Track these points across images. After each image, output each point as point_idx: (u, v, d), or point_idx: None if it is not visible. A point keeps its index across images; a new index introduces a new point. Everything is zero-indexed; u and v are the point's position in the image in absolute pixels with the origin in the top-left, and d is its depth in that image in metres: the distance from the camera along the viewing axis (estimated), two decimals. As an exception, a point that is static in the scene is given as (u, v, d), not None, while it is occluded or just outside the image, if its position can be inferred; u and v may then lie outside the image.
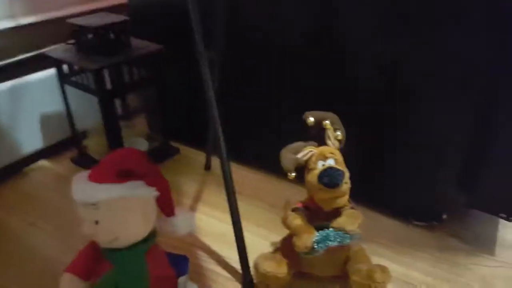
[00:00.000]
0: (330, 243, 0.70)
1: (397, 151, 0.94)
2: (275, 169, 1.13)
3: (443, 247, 0.93)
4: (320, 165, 0.72)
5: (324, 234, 0.71)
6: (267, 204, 1.06)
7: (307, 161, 0.75)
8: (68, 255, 0.69)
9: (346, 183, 0.71)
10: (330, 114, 0.75)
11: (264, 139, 1.12)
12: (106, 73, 1.01)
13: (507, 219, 0.89)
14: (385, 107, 0.91)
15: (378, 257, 0.88)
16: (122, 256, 0.65)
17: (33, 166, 1.20)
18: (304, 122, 0.75)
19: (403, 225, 0.99)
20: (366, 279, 0.72)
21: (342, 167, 0.73)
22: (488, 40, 0.76)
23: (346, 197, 0.73)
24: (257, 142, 1.15)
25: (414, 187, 0.95)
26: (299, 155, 0.74)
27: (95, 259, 0.68)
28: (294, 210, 0.77)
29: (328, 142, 0.75)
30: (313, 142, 0.76)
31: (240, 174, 1.16)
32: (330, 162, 0.72)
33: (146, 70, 1.10)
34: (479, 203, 0.93)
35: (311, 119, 0.74)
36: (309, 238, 0.71)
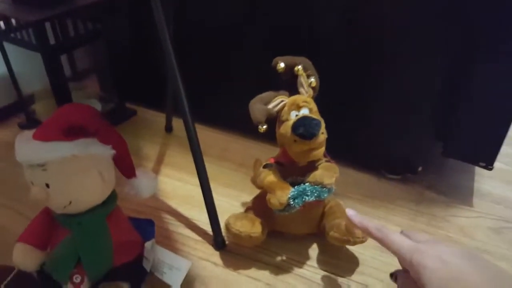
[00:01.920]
0: (307, 198, 0.66)
1: (367, 100, 0.90)
2: (241, 128, 1.11)
3: (420, 200, 0.92)
4: (294, 116, 0.67)
5: (301, 189, 0.66)
6: (234, 164, 1.01)
7: (278, 112, 0.69)
8: (24, 224, 0.62)
9: (322, 133, 0.66)
10: (302, 58, 0.68)
11: (228, 97, 1.05)
12: (48, 27, 0.91)
13: (487, 168, 0.88)
14: (352, 56, 0.87)
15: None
16: (80, 222, 0.59)
17: (-25, 134, 1.09)
18: (273, 69, 0.68)
19: (376, 178, 0.98)
20: (346, 234, 0.69)
21: (317, 116, 0.67)
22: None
23: (323, 149, 0.68)
24: (220, 101, 1.09)
25: (387, 138, 0.92)
26: (270, 106, 0.69)
27: (50, 227, 0.62)
28: (265, 166, 0.72)
29: (301, 90, 0.69)
30: (284, 91, 0.70)
31: (205, 135, 1.10)
32: (304, 112, 0.67)
33: (93, 23, 1.01)
34: (456, 153, 0.91)
35: (282, 64, 0.67)
36: (284, 194, 0.66)
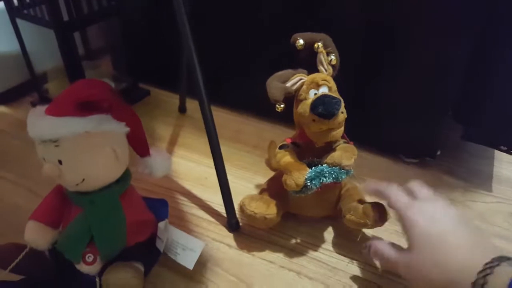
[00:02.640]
0: (324, 179, 0.64)
1: (384, 82, 0.87)
2: (254, 109, 1.09)
3: (439, 185, 0.90)
4: (312, 94, 0.64)
5: (318, 170, 0.64)
6: (248, 147, 1.00)
7: (296, 91, 0.66)
8: (37, 203, 0.62)
9: (342, 112, 0.63)
10: (322, 35, 0.65)
11: (241, 78, 1.03)
12: (61, 3, 0.89)
13: (508, 152, 0.86)
14: (370, 37, 0.84)
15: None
16: (93, 200, 0.58)
17: (-11, 113, 1.09)
18: (291, 46, 0.65)
19: (394, 162, 0.96)
20: (363, 217, 0.67)
21: (337, 95, 0.65)
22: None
23: (342, 129, 0.66)
24: (233, 82, 1.06)
25: (405, 121, 0.90)
26: (288, 84, 0.66)
27: (63, 205, 0.61)
28: (282, 147, 0.70)
29: (320, 67, 0.66)
30: (302, 70, 0.67)
31: (219, 116, 1.08)
32: (324, 90, 0.64)
33: (107, -1, 0.99)
34: (477, 136, 0.89)
35: (301, 41, 0.64)
36: (300, 175, 0.64)
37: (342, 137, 0.69)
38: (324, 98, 0.62)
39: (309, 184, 0.64)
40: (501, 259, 0.47)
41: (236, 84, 1.06)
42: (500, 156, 0.96)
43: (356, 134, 0.84)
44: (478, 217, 0.83)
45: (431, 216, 0.53)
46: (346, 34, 0.84)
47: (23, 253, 0.60)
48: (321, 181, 0.64)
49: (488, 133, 0.87)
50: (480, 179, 0.92)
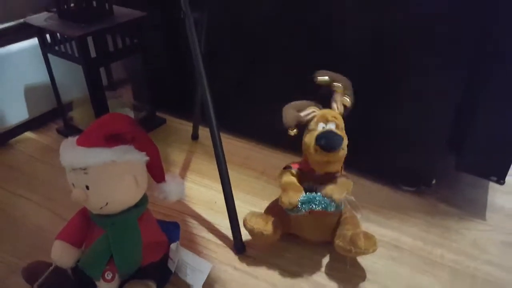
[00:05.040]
0: (314, 206, 0.71)
1: (384, 114, 0.94)
2: (263, 138, 1.16)
3: (434, 212, 0.95)
4: (321, 127, 0.72)
5: (311, 197, 0.72)
6: (256, 173, 1.06)
7: (308, 121, 0.74)
8: (60, 225, 0.69)
9: (343, 149, 0.71)
10: (343, 77, 0.73)
11: (253, 109, 1.11)
12: (90, 41, 0.98)
13: (498, 182, 0.90)
14: (370, 71, 0.91)
15: (368, 222, 0.90)
16: (114, 222, 0.65)
17: (18, 138, 1.17)
18: (313, 80, 0.73)
19: (392, 190, 1.01)
20: (348, 244, 0.73)
21: (342, 133, 0.72)
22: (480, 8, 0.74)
23: (340, 164, 0.73)
24: (245, 112, 1.14)
25: (402, 151, 0.96)
26: (302, 114, 0.74)
27: (86, 226, 0.68)
28: (286, 168, 0.78)
29: (334, 105, 0.74)
30: (317, 103, 0.75)
31: (229, 143, 1.16)
32: (331, 126, 0.72)
33: (130, 38, 1.08)
34: (469, 166, 0.93)
35: (326, 78, 0.72)
36: (295, 196, 0.72)
37: (342, 169, 0.76)
38: (328, 133, 0.70)
39: (299, 206, 0.71)
40: None
41: (246, 114, 1.14)
42: (495, 186, 1.00)
43: (356, 162, 0.89)
44: (471, 244, 0.86)
45: None
46: (348, 69, 0.92)
47: (49, 270, 0.67)
48: (310, 207, 0.71)
49: (479, 164, 0.91)
50: (475, 207, 0.96)
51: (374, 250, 0.73)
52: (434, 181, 0.97)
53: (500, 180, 0.90)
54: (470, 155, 0.91)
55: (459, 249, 0.85)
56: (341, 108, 0.74)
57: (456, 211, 0.95)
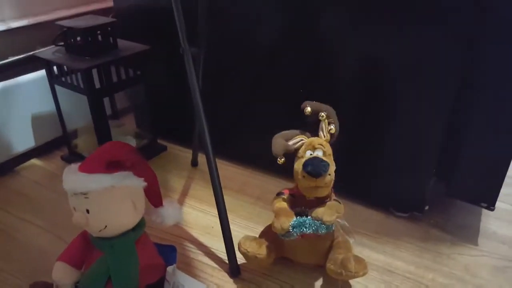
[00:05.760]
0: (305, 229, 0.74)
1: (376, 142, 0.98)
2: (259, 164, 1.19)
3: (426, 237, 0.96)
4: (308, 155, 0.76)
5: (301, 221, 0.75)
6: (253, 198, 1.09)
7: (297, 150, 0.78)
8: (61, 247, 0.71)
9: (329, 174, 0.74)
10: (327, 107, 0.77)
11: (249, 137, 1.15)
12: (94, 73, 1.04)
13: (488, 208, 0.92)
14: (363, 100, 0.95)
15: (360, 247, 0.92)
16: (113, 245, 0.68)
17: (25, 164, 1.22)
18: (301, 111, 0.77)
19: (385, 215, 1.03)
20: (339, 267, 0.75)
21: (329, 159, 0.76)
22: (464, 40, 0.79)
23: (328, 189, 0.77)
24: (243, 140, 1.19)
25: (395, 177, 0.99)
26: (290, 142, 0.78)
27: (86, 248, 0.71)
28: (278, 194, 0.82)
29: (320, 133, 0.78)
30: (306, 132, 0.79)
31: (227, 170, 1.20)
32: (318, 153, 0.76)
33: (133, 70, 1.14)
34: (459, 193, 0.96)
35: (309, 108, 0.76)
36: (286, 221, 0.75)
37: (332, 193, 0.80)
38: (314, 160, 0.74)
39: (291, 230, 0.74)
40: None
41: (244, 142, 1.19)
42: (487, 212, 1.01)
43: (350, 188, 0.92)
44: (463, 269, 0.88)
45: None
46: (339, 99, 0.96)
47: (50, 290, 0.70)
48: (301, 230, 0.74)
49: (469, 190, 0.94)
50: (467, 233, 0.98)
51: (364, 274, 0.75)
52: (426, 207, 0.99)
53: (490, 206, 0.91)
54: (460, 181, 0.94)
55: (450, 273, 0.87)
56: (328, 136, 0.78)
57: (448, 236, 0.97)
